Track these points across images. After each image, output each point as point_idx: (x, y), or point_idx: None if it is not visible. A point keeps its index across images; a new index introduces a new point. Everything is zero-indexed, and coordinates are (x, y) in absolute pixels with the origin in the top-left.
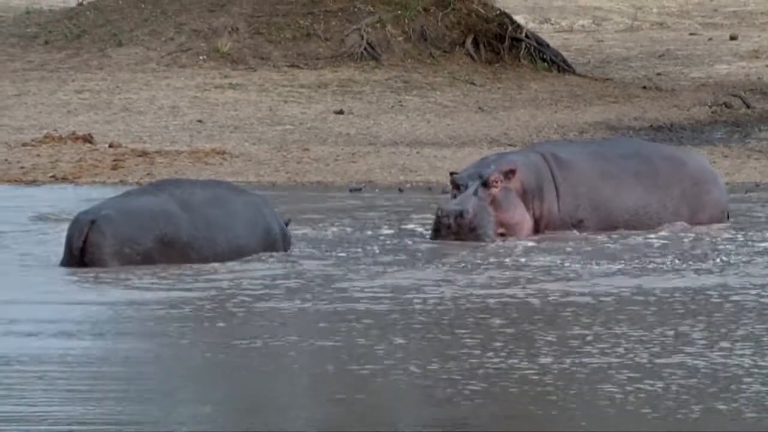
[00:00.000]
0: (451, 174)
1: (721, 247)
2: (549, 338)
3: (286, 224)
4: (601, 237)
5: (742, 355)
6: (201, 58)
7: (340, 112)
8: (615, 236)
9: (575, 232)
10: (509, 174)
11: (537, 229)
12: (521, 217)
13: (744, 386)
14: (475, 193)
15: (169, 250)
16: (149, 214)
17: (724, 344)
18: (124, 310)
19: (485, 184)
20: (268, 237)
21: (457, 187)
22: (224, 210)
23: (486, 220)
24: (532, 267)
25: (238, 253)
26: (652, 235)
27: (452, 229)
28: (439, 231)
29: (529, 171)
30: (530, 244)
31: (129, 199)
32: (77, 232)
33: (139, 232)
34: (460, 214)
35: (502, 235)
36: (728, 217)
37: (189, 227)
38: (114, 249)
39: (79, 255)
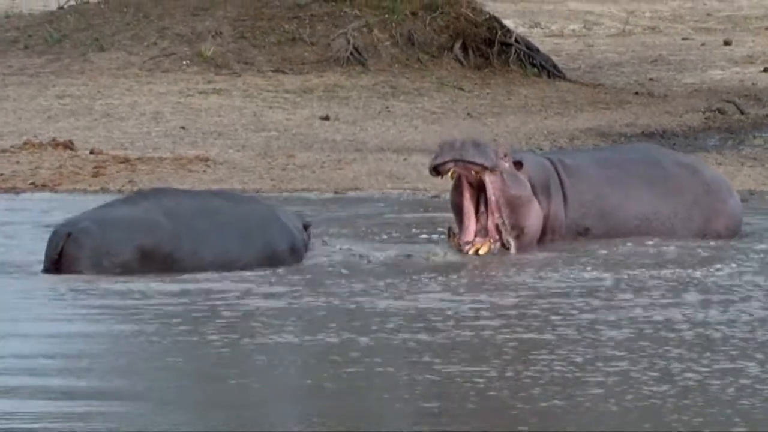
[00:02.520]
0: None
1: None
2: None
3: (306, 228)
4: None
5: None
6: (184, 62)
7: (326, 118)
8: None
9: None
10: (517, 165)
11: (543, 233)
12: (529, 197)
13: None
14: None
15: (149, 262)
16: (129, 223)
17: None
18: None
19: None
20: (267, 251)
21: None
22: (213, 221)
23: (489, 149)
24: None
25: (226, 268)
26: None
27: (455, 145)
28: (440, 151)
29: (538, 168)
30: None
31: (111, 208)
32: (53, 244)
33: (118, 243)
34: (465, 138)
35: (513, 227)
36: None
37: (172, 238)
38: (91, 262)
39: (56, 268)
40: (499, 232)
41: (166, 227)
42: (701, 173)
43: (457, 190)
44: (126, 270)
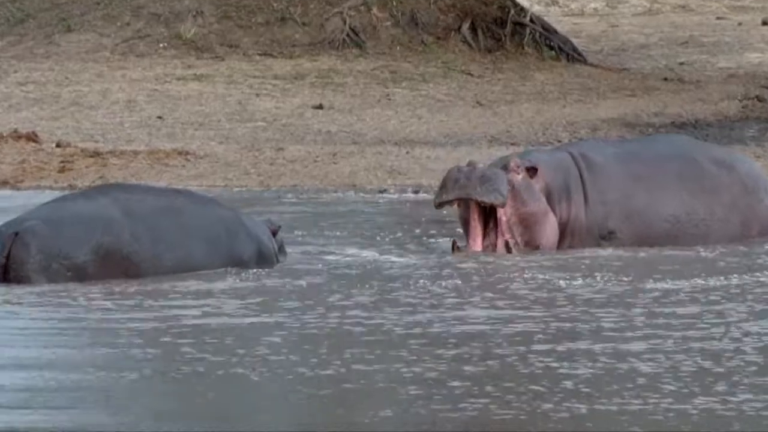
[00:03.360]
0: (469, 162)
1: None
2: None
3: (274, 234)
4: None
5: None
6: (161, 45)
7: (320, 107)
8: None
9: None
10: (531, 171)
11: (562, 237)
12: (544, 212)
13: None
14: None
15: (106, 265)
16: (84, 222)
17: None
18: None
19: (505, 168)
20: (233, 257)
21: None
22: (176, 223)
23: (500, 180)
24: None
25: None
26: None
27: (461, 182)
28: (445, 187)
29: (555, 170)
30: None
31: (62, 204)
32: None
33: (71, 244)
34: (472, 168)
35: (527, 244)
36: None
37: (130, 239)
38: (40, 265)
39: (2, 272)
40: (508, 249)
41: (125, 226)
42: (736, 169)
43: (466, 203)
44: (79, 275)
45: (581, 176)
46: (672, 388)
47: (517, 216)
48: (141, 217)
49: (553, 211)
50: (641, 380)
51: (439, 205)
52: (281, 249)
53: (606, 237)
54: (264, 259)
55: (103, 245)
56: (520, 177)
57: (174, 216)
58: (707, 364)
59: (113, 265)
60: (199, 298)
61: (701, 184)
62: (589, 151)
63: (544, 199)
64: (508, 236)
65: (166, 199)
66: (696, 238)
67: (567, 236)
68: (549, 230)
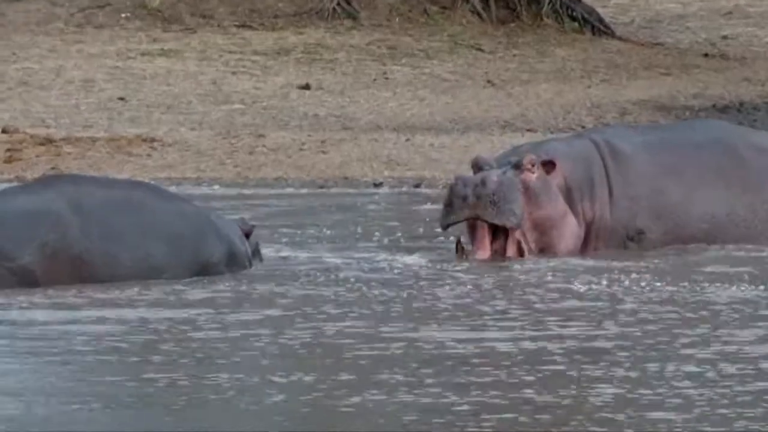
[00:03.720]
0: (474, 163)
1: None
2: None
3: (248, 235)
4: None
5: None
6: (123, 16)
7: (306, 87)
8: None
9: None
10: (548, 166)
11: (587, 239)
12: (563, 215)
13: None
14: (504, 173)
15: (54, 267)
16: (27, 218)
17: None
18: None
19: (518, 167)
20: (200, 259)
21: (480, 168)
22: (135, 219)
23: (514, 195)
24: None
25: (150, 276)
26: None
27: (469, 201)
28: (451, 207)
29: (576, 163)
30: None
31: (3, 199)
32: None
33: (13, 243)
34: (482, 182)
35: (542, 250)
36: None
37: (81, 236)
38: None
39: None
40: (521, 253)
41: (74, 223)
42: None
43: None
44: (23, 278)
45: (605, 168)
46: None
47: (531, 221)
48: (91, 212)
49: (574, 210)
50: None
51: (446, 227)
52: (256, 252)
53: (634, 238)
54: (235, 262)
55: (50, 243)
56: (534, 176)
57: (132, 211)
58: None
59: (62, 266)
60: (164, 307)
61: (742, 177)
62: (615, 138)
63: (561, 200)
64: (521, 240)
65: (120, 191)
66: (737, 241)
67: (591, 239)
68: (567, 234)
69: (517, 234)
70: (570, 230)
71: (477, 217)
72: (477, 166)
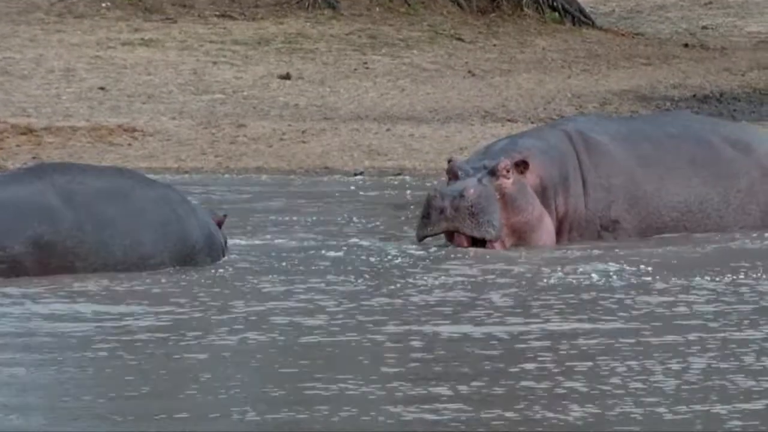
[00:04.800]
0: (449, 161)
1: None
2: None
3: (220, 224)
4: None
5: None
6: (104, 5)
7: (287, 77)
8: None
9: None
10: (522, 166)
11: (560, 233)
12: (539, 218)
13: None
14: (480, 181)
15: (45, 258)
16: (18, 209)
17: None
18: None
19: (493, 173)
20: (185, 246)
21: (456, 176)
22: (125, 207)
23: (492, 207)
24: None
25: (139, 265)
26: None
27: (447, 213)
28: (428, 218)
29: (550, 160)
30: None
31: None
32: None
33: (4, 234)
34: (460, 194)
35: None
36: None
37: (73, 227)
38: None
39: None
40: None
41: (66, 214)
42: (756, 150)
43: None
44: (14, 270)
45: (579, 161)
46: None
47: (508, 226)
48: (83, 202)
49: (549, 207)
50: None
51: (422, 239)
52: (226, 242)
53: (609, 228)
54: (214, 250)
55: (43, 235)
56: (510, 182)
57: (120, 199)
58: None
59: (54, 257)
60: (150, 302)
61: (715, 167)
62: (589, 129)
63: (537, 202)
64: (497, 245)
65: (107, 179)
66: (709, 230)
67: (565, 231)
68: (545, 234)
69: (497, 246)
70: (546, 230)
71: (456, 229)
72: (452, 173)
